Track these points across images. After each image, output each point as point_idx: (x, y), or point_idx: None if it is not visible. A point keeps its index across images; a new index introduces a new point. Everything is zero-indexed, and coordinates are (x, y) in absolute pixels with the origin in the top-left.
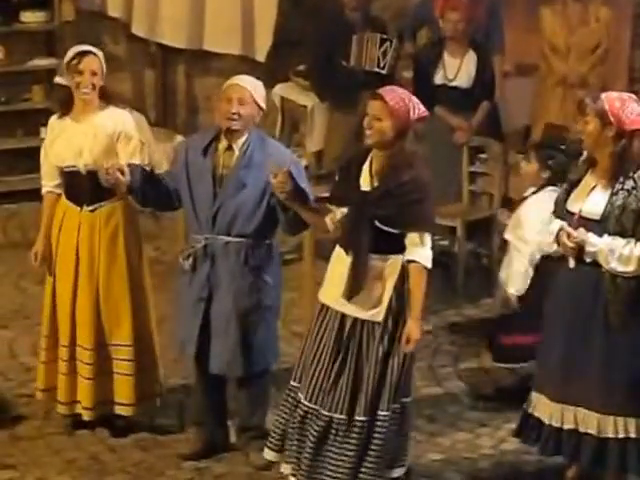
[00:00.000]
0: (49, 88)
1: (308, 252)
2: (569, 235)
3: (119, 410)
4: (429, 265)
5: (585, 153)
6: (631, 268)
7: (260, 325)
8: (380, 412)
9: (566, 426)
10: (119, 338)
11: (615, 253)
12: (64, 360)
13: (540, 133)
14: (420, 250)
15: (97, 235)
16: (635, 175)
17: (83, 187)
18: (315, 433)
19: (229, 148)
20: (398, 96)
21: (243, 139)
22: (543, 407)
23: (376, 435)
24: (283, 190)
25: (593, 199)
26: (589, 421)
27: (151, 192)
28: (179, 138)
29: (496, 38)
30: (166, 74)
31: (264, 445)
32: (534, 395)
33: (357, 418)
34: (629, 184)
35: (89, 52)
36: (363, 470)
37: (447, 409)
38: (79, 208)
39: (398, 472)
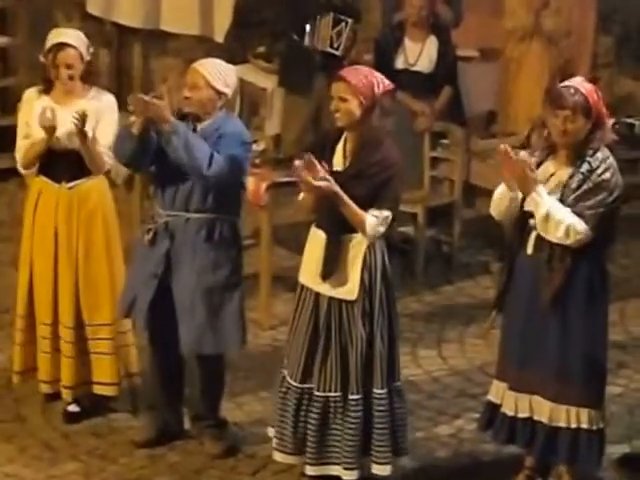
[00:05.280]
0: (1, 66)
1: (265, 238)
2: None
3: (100, 390)
4: (370, 231)
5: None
6: (559, 234)
7: (226, 303)
8: (376, 390)
9: (520, 414)
10: (99, 317)
11: (551, 214)
12: (46, 338)
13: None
14: (372, 220)
15: (75, 213)
16: (591, 158)
17: (61, 164)
18: (315, 415)
19: (194, 130)
20: (361, 74)
21: (207, 123)
22: (501, 394)
23: (377, 414)
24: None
25: (551, 185)
26: (542, 410)
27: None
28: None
29: (452, 15)
30: (121, 54)
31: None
32: (495, 382)
33: (351, 397)
34: (585, 167)
35: (64, 45)
36: (374, 453)
37: (406, 397)
38: (57, 185)
39: (405, 460)
